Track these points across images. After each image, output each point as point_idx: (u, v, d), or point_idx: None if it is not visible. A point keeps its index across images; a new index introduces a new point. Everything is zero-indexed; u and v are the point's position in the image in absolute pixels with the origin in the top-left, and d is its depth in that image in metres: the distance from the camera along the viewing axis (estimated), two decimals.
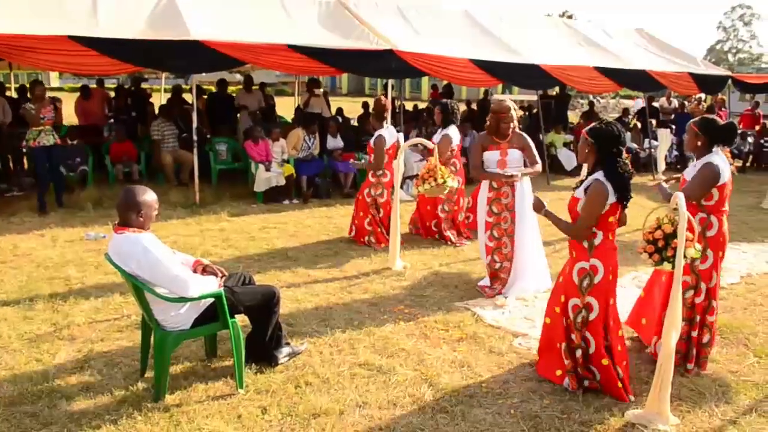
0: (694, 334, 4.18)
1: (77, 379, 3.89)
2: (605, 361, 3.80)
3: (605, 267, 3.74)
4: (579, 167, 9.08)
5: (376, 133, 7.03)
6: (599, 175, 3.69)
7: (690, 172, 4.21)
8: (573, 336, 3.84)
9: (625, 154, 3.76)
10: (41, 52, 7.58)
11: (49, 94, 8.93)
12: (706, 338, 4.22)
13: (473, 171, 5.88)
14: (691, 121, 4.27)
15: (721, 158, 4.08)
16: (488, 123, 5.64)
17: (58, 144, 8.24)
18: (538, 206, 4.04)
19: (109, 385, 3.82)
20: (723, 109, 16.42)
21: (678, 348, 3.79)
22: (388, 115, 7.42)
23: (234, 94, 13.27)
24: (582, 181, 3.88)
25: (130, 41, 7.86)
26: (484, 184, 5.77)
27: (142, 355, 3.96)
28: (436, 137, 7.11)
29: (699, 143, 4.14)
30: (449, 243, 7.25)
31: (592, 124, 3.91)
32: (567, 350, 3.86)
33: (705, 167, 4.05)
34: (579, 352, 3.84)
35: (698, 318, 4.18)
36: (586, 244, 3.77)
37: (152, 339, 3.77)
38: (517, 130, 5.67)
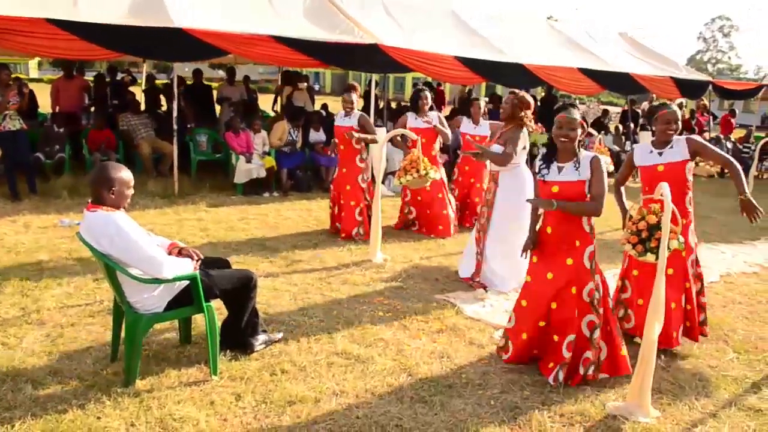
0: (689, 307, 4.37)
1: (45, 364, 3.75)
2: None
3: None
4: None
5: (355, 111, 7.00)
6: (590, 153, 3.80)
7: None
8: (592, 317, 3.77)
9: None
10: (17, 34, 7.38)
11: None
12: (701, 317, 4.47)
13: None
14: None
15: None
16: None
17: (25, 129, 7.99)
18: (549, 204, 3.76)
19: (77, 369, 3.69)
20: (705, 114, 16.54)
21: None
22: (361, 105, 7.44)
23: (210, 84, 13.10)
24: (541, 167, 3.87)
25: (110, 26, 7.68)
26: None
27: (113, 339, 3.83)
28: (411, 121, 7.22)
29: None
30: (432, 236, 7.24)
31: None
32: (570, 343, 3.78)
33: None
34: (597, 333, 3.78)
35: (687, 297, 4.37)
36: (587, 228, 3.80)
37: (124, 323, 3.65)
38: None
